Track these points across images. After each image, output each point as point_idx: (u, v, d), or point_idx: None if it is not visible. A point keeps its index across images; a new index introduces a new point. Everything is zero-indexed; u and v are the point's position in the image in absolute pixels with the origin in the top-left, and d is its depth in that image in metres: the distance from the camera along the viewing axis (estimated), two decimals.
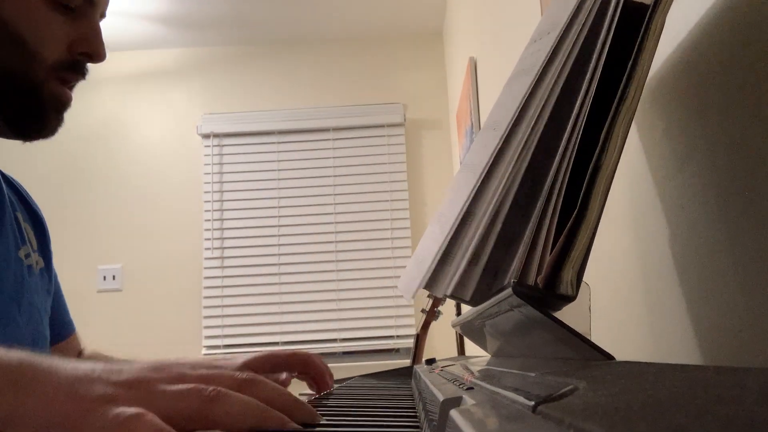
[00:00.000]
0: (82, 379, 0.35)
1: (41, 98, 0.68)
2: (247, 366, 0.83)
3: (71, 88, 0.71)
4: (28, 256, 0.77)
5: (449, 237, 0.46)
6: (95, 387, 0.35)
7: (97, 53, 0.71)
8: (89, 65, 0.72)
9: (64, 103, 0.70)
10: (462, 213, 0.45)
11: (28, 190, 0.86)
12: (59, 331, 0.86)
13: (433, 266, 0.46)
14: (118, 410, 0.33)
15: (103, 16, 0.75)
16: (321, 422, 0.38)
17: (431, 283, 0.48)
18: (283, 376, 0.67)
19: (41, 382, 0.35)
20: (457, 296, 0.44)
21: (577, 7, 0.43)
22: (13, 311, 0.70)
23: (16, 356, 0.36)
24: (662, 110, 0.51)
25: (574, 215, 0.35)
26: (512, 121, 0.44)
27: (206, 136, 2.94)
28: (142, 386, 0.36)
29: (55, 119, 0.70)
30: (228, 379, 0.37)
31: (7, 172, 0.83)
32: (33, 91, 0.67)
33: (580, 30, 0.41)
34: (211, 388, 0.35)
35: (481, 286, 0.42)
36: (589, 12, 0.41)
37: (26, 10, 0.65)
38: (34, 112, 0.68)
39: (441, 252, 0.46)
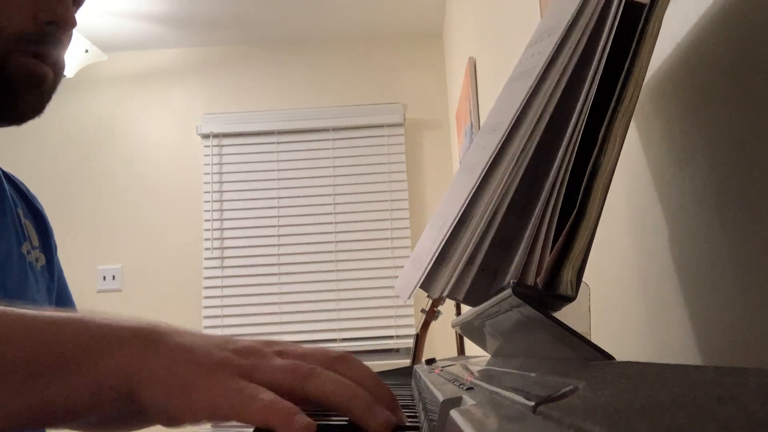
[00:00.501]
0: (202, 346, 0.38)
1: (7, 73, 0.63)
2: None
3: (48, 62, 0.66)
4: (28, 252, 0.77)
5: (446, 238, 0.46)
6: (213, 353, 0.38)
7: (64, 19, 0.65)
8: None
9: (38, 78, 0.65)
10: (459, 214, 0.45)
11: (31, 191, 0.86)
12: None
13: (429, 267, 0.46)
14: (239, 383, 0.36)
15: None
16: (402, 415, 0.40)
17: (427, 283, 0.48)
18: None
19: (166, 347, 0.38)
20: (453, 297, 0.44)
21: (579, 8, 0.43)
22: None
23: (148, 321, 0.40)
24: (661, 110, 0.51)
25: (573, 215, 0.35)
26: (512, 123, 0.44)
27: (206, 136, 2.94)
28: (254, 356, 0.39)
29: (30, 95, 0.65)
30: (323, 358, 0.40)
31: (7, 170, 0.83)
32: None
33: (582, 32, 0.41)
34: (308, 365, 0.38)
35: (479, 286, 0.42)
36: (592, 14, 0.41)
37: None
38: (2, 89, 0.64)
39: (437, 253, 0.46)
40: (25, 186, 0.85)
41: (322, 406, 0.38)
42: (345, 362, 0.41)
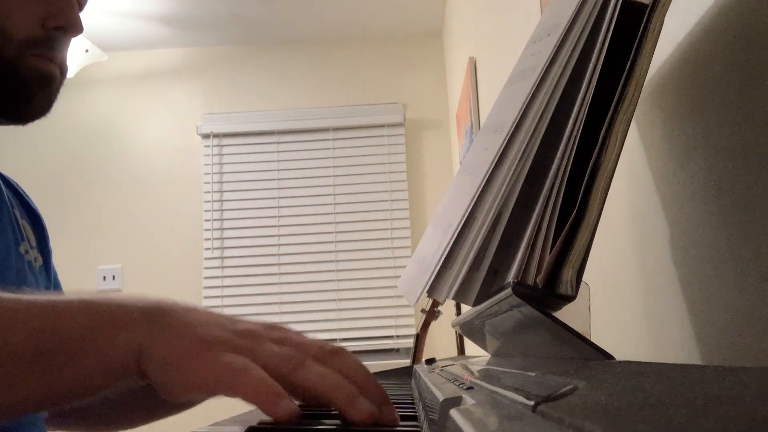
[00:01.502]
0: (204, 324, 0.40)
1: (20, 75, 0.66)
2: None
3: (58, 64, 0.69)
4: (26, 252, 0.77)
5: (452, 241, 0.46)
6: (213, 330, 0.39)
7: (71, 25, 0.68)
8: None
9: (47, 78, 0.68)
10: (465, 216, 0.45)
11: (28, 190, 0.86)
12: None
13: (436, 271, 0.46)
14: (229, 357, 0.37)
15: None
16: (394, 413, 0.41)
17: (433, 287, 0.47)
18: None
19: (171, 323, 0.40)
20: (459, 301, 0.44)
21: (579, 7, 0.43)
22: None
23: (153, 298, 0.42)
24: (662, 110, 0.51)
25: (573, 215, 0.35)
26: (515, 123, 0.44)
27: (206, 136, 2.94)
28: (252, 338, 0.40)
29: (41, 95, 0.68)
30: (318, 350, 0.41)
31: (7, 171, 0.83)
32: (7, 69, 0.65)
33: (582, 30, 0.41)
34: (300, 356, 0.40)
35: (484, 289, 0.42)
36: (590, 12, 0.41)
37: None
38: (15, 90, 0.66)
39: (444, 256, 0.46)
40: (21, 189, 0.85)
41: (307, 396, 0.39)
42: (338, 356, 0.41)
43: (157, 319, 0.40)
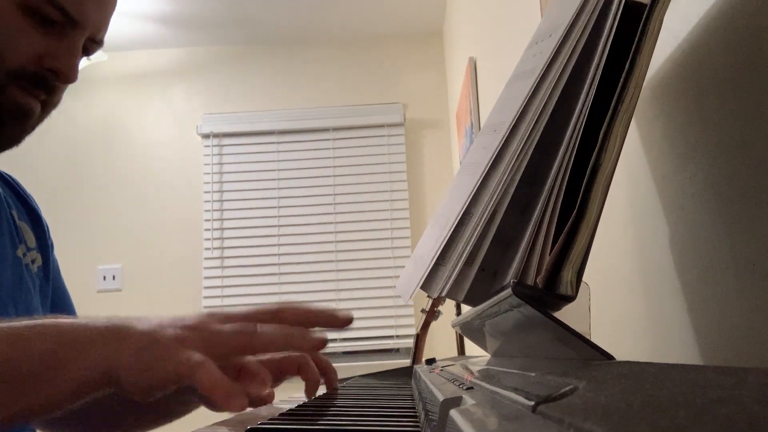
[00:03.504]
0: (159, 329, 0.44)
1: None
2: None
3: (42, 101, 0.68)
4: (24, 255, 0.76)
5: (447, 238, 0.46)
6: (168, 332, 0.44)
7: (63, 72, 0.67)
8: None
9: (25, 113, 0.66)
10: (460, 214, 0.45)
11: (28, 189, 0.85)
12: None
13: (430, 267, 0.46)
14: (186, 354, 0.42)
15: (97, 43, 0.72)
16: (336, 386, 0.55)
17: (427, 283, 0.48)
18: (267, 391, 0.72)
19: (130, 334, 0.44)
20: (452, 297, 0.44)
21: (580, 9, 0.43)
22: (9, 311, 0.70)
23: (101, 319, 0.46)
24: (662, 110, 0.51)
25: (573, 215, 0.35)
26: (513, 123, 0.44)
27: (206, 136, 2.94)
28: (203, 328, 0.45)
29: (11, 128, 0.66)
30: (263, 314, 0.48)
31: (7, 170, 0.83)
32: None
33: (582, 32, 0.41)
34: (249, 326, 0.46)
35: (478, 286, 0.42)
36: (591, 14, 0.41)
37: None
38: None
39: (438, 253, 0.46)
40: (19, 184, 0.84)
41: (272, 352, 0.49)
42: (285, 311, 0.49)
43: (116, 334, 0.44)
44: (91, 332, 0.44)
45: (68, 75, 0.68)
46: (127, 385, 0.43)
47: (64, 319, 0.46)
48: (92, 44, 0.72)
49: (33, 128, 0.69)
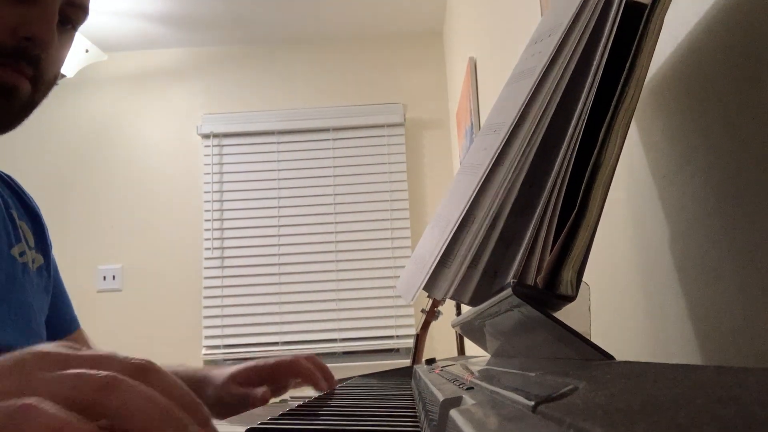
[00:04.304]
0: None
1: None
2: (234, 378, 0.82)
3: (31, 78, 0.64)
4: (23, 254, 0.76)
5: (449, 239, 0.46)
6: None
7: (38, 37, 0.62)
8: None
9: (9, 90, 0.63)
10: (462, 215, 0.45)
11: (27, 190, 0.86)
12: (61, 328, 0.85)
13: (432, 268, 0.46)
14: (6, 403, 0.26)
15: (77, 6, 0.68)
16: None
17: (430, 285, 0.48)
18: (262, 389, 0.67)
19: None
20: (457, 299, 0.44)
21: (580, 8, 0.43)
22: (2, 311, 0.70)
23: None
24: (662, 110, 0.51)
25: (573, 215, 0.35)
26: (514, 123, 0.44)
27: (206, 136, 2.94)
28: (18, 374, 0.29)
29: (1, 108, 0.63)
30: (119, 363, 0.30)
31: (7, 171, 0.83)
32: None
33: (583, 32, 0.41)
34: (103, 373, 0.28)
35: (481, 287, 0.42)
36: (592, 13, 0.41)
37: None
38: None
39: (440, 254, 0.46)
40: (18, 184, 0.84)
41: (125, 425, 0.28)
42: (150, 373, 0.31)
43: None
44: None
45: (44, 39, 0.63)
46: None
47: None
48: (72, 9, 0.68)
49: (27, 109, 0.66)
